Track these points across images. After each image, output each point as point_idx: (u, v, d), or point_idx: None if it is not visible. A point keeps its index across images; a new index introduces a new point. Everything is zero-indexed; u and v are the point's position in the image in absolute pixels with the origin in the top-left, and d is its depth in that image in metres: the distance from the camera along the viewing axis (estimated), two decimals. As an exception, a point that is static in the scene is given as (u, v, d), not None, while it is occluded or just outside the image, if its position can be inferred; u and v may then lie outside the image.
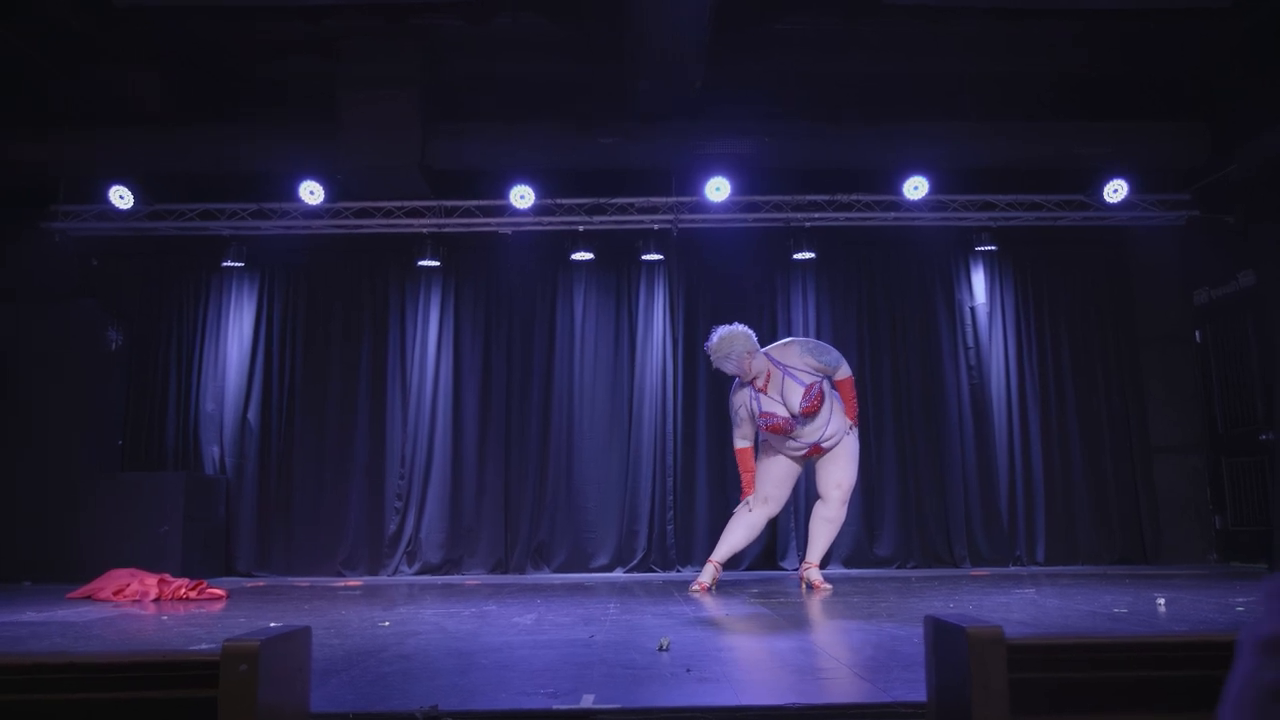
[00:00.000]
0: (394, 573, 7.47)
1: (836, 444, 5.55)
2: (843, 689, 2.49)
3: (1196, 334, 7.81)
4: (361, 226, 7.66)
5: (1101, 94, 7.26)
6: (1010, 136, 7.15)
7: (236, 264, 7.63)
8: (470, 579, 7.13)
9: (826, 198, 7.55)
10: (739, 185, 7.34)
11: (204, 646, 3.33)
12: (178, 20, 6.37)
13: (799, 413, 5.36)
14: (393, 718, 2.05)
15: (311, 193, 7.28)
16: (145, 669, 1.56)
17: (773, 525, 7.62)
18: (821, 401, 5.40)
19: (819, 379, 5.41)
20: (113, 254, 7.75)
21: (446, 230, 7.65)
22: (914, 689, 2.25)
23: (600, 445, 7.71)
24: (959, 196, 7.57)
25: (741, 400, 5.52)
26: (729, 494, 7.70)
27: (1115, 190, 7.30)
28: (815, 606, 4.64)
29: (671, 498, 7.60)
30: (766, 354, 5.50)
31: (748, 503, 5.69)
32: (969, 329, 7.88)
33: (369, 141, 6.84)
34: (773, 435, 5.50)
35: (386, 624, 4.01)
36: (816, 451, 5.56)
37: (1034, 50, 6.84)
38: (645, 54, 6.30)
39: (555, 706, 2.16)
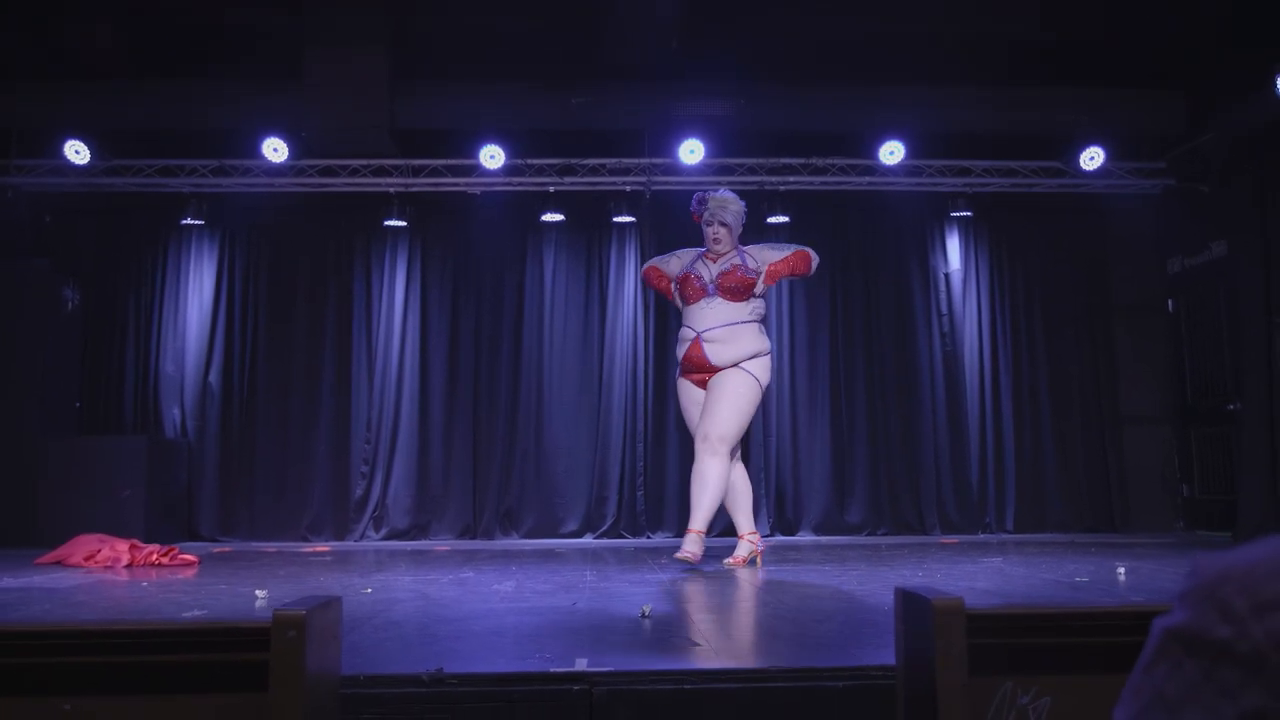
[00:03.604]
0: (360, 538, 7.40)
1: (725, 371, 4.89)
2: (818, 652, 2.61)
3: (1169, 303, 7.83)
4: (326, 185, 7.49)
5: (1079, 60, 7.19)
6: (987, 102, 7.09)
7: (197, 222, 7.43)
8: (439, 545, 7.08)
9: (802, 161, 7.47)
10: (713, 148, 7.23)
11: (197, 613, 3.41)
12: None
13: (714, 281, 4.94)
14: (402, 679, 2.20)
15: (275, 150, 7.09)
16: (202, 635, 1.71)
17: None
18: (741, 292, 4.91)
19: (757, 274, 4.96)
20: (68, 211, 7.55)
21: (414, 190, 7.50)
22: (883, 653, 2.34)
23: (570, 410, 7.65)
24: (935, 161, 7.51)
25: (690, 257, 5.15)
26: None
27: (1091, 158, 7.26)
28: (788, 574, 4.65)
29: (642, 464, 7.56)
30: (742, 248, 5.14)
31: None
32: (943, 295, 7.85)
33: (335, 98, 6.68)
34: (680, 297, 5.09)
35: (369, 591, 4.03)
36: (700, 367, 4.94)
37: (1013, 14, 6.75)
38: (621, 13, 6.17)
39: (553, 669, 2.26)
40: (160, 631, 1.70)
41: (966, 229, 7.90)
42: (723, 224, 5.01)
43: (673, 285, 5.14)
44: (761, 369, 4.94)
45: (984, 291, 7.89)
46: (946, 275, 7.88)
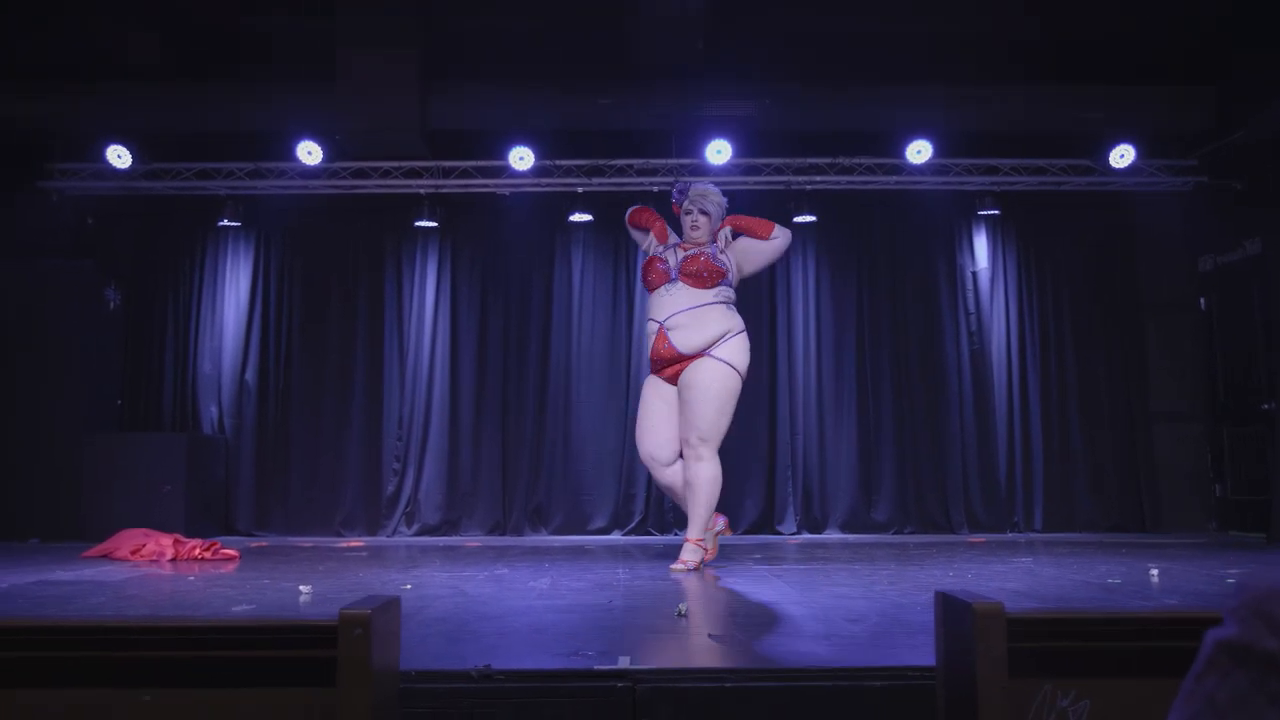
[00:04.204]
0: (392, 534, 7.51)
1: (699, 361, 4.63)
2: (855, 652, 2.64)
3: (1201, 301, 7.79)
4: (359, 187, 7.60)
5: (1108, 57, 7.18)
6: (1014, 99, 7.09)
7: (233, 224, 7.58)
8: (470, 541, 7.17)
9: (828, 160, 7.49)
10: (740, 148, 7.28)
11: (245, 607, 3.50)
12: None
13: (677, 266, 4.73)
14: (451, 675, 2.27)
15: (309, 153, 7.21)
16: (272, 632, 1.80)
17: (769, 487, 7.68)
18: (706, 278, 4.67)
19: (728, 267, 4.75)
20: (110, 213, 7.69)
21: (444, 191, 7.59)
22: (920, 654, 2.38)
23: (597, 408, 7.72)
24: (962, 160, 7.52)
25: (665, 244, 4.91)
26: (726, 456, 7.68)
27: (1121, 155, 7.24)
28: (819, 574, 4.69)
29: (670, 461, 7.60)
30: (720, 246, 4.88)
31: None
32: (970, 294, 7.86)
33: (368, 101, 6.77)
34: (643, 283, 4.95)
35: (408, 587, 4.10)
36: (669, 360, 4.68)
37: (1041, 11, 6.76)
38: (647, 14, 6.22)
39: (596, 667, 2.33)
40: (233, 628, 1.79)
41: (994, 227, 7.89)
42: (703, 212, 4.83)
43: (642, 261, 4.91)
44: (736, 353, 4.67)
45: (1012, 290, 7.89)
46: (974, 274, 7.89)
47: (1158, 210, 7.77)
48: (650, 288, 4.81)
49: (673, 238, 4.98)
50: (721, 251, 4.80)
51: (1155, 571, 4.48)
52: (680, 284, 4.68)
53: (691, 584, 4.28)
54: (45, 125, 7.19)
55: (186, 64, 7.05)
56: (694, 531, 4.71)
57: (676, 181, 5.04)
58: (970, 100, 7.07)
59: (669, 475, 4.83)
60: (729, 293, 4.76)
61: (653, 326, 4.73)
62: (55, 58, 6.90)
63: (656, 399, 4.78)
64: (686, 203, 4.89)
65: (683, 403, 4.65)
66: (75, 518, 6.71)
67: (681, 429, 4.66)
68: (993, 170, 7.55)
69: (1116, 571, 4.61)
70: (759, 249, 4.90)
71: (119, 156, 7.16)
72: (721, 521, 4.99)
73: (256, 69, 7.07)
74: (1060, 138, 7.44)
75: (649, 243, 4.97)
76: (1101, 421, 7.76)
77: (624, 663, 2.37)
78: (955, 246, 7.93)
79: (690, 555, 4.69)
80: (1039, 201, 7.80)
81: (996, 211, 7.57)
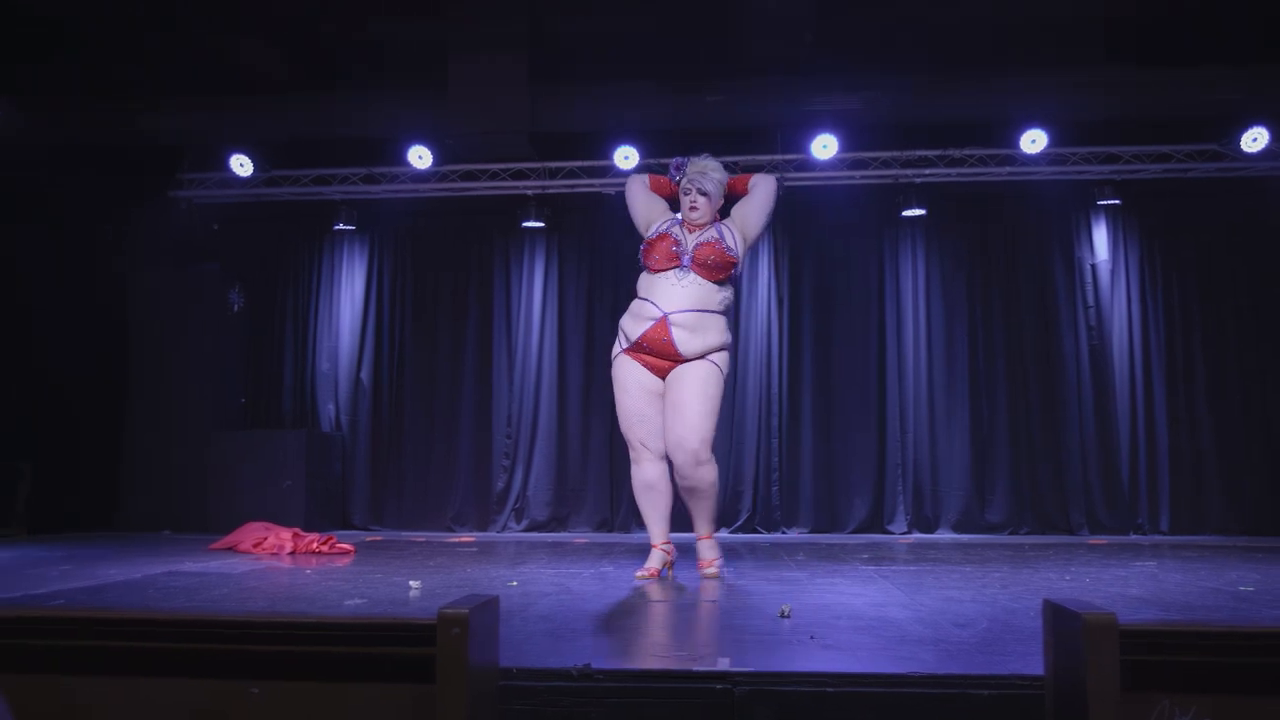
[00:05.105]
0: (502, 529, 7.65)
1: (692, 362, 4.29)
2: (961, 659, 2.54)
3: (1340, 293, 7.33)
4: (468, 189, 7.77)
5: (1235, 35, 6.80)
6: (1134, 83, 6.76)
7: (348, 227, 7.84)
8: (578, 537, 7.25)
9: (937, 153, 7.32)
10: (846, 142, 7.17)
11: (356, 601, 3.58)
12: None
13: (690, 252, 4.29)
14: (552, 673, 2.26)
15: (420, 157, 7.40)
16: (373, 629, 1.86)
17: (878, 486, 7.55)
18: (718, 270, 4.29)
19: (737, 256, 4.35)
20: (233, 219, 8.05)
21: (550, 191, 7.70)
22: (1029, 662, 2.28)
23: (704, 405, 7.68)
24: (1079, 149, 7.25)
25: (669, 217, 4.49)
26: (835, 454, 7.65)
27: (1254, 139, 6.87)
28: (928, 575, 4.58)
29: (776, 459, 7.57)
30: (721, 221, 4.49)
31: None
32: (1089, 287, 7.58)
33: (478, 105, 6.89)
34: (645, 259, 4.37)
35: (514, 584, 4.15)
36: (662, 354, 4.30)
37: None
38: (756, 10, 6.17)
39: (696, 668, 2.30)
40: (337, 625, 1.86)
41: (1115, 217, 7.59)
42: (702, 192, 4.36)
43: (646, 241, 4.42)
44: (726, 361, 4.38)
45: (1134, 282, 7.57)
46: (1093, 266, 7.59)
47: (1294, 197, 7.34)
48: (654, 267, 4.30)
49: (673, 215, 4.50)
50: (730, 233, 4.37)
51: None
52: (691, 274, 4.26)
53: (794, 584, 4.23)
54: (176, 137, 7.56)
55: (304, 75, 7.31)
56: (709, 528, 4.40)
57: (674, 159, 4.53)
58: (1087, 85, 6.78)
59: (656, 471, 4.37)
60: (730, 298, 4.41)
61: (652, 311, 4.25)
62: (184, 73, 7.23)
63: (640, 391, 4.34)
64: (685, 181, 4.43)
65: (678, 404, 4.25)
66: (203, 511, 7.06)
67: (678, 432, 4.23)
68: (1113, 158, 7.26)
69: (1249, 579, 4.37)
70: (751, 207, 4.47)
71: (241, 165, 7.50)
72: (675, 553, 4.55)
73: (369, 77, 7.29)
74: (1185, 122, 7.10)
75: (656, 213, 4.51)
76: (1234, 419, 7.38)
77: (723, 664, 2.35)
78: (1073, 238, 7.65)
79: (714, 552, 4.39)
80: (1163, 189, 7.47)
81: (1117, 201, 7.29)
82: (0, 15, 6.24)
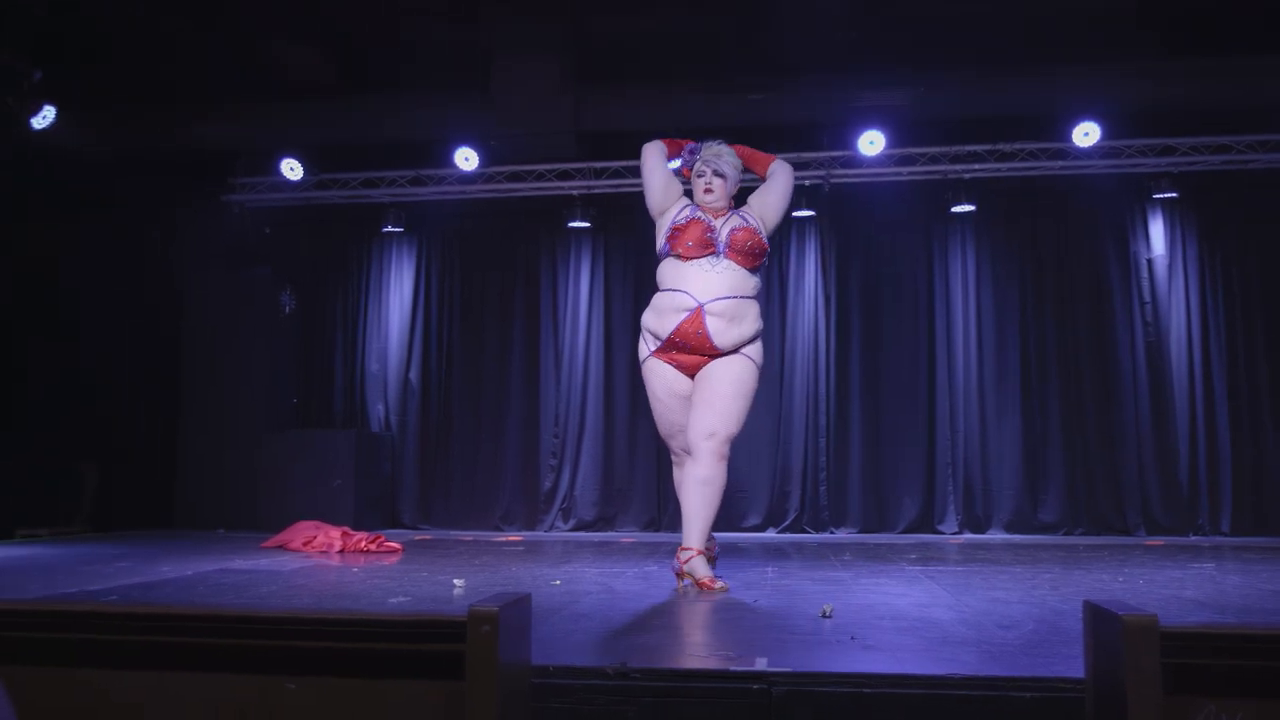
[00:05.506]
0: (550, 528, 7.69)
1: (729, 354, 4.07)
2: (1004, 661, 2.50)
3: None
4: (514, 190, 7.81)
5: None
6: (1190, 73, 6.60)
7: (396, 229, 7.93)
8: (624, 537, 7.26)
9: (987, 147, 7.21)
10: (893, 138, 7.09)
11: (401, 599, 3.61)
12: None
13: (725, 238, 4.07)
14: (589, 672, 2.27)
15: (466, 159, 7.47)
16: (405, 626, 1.87)
17: (928, 486, 7.46)
18: (753, 257, 4.09)
19: (766, 239, 4.18)
20: (284, 223, 8.18)
21: (595, 191, 7.72)
22: (1073, 665, 2.24)
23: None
24: (1134, 141, 7.09)
25: (683, 203, 4.25)
26: (884, 453, 7.57)
27: (1318, 128, 6.68)
28: (975, 576, 4.51)
29: (824, 458, 7.51)
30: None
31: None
32: (1145, 283, 7.41)
33: (523, 106, 6.94)
34: (674, 246, 4.10)
35: (558, 583, 4.16)
36: (696, 348, 4.06)
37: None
38: (799, 6, 6.14)
39: (733, 668, 2.29)
40: (369, 621, 1.87)
41: (1171, 211, 7.41)
42: (717, 174, 4.15)
43: (665, 225, 4.19)
44: (760, 353, 4.16)
45: (1193, 277, 7.38)
46: (1149, 261, 7.42)
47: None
48: (686, 255, 4.04)
49: (692, 204, 4.26)
50: (752, 219, 4.19)
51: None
52: (725, 261, 4.02)
53: (838, 584, 4.19)
54: (227, 143, 7.71)
55: (349, 79, 7.41)
56: (700, 540, 3.96)
57: (687, 144, 4.35)
58: (1142, 76, 6.64)
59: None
60: (761, 285, 4.20)
61: (686, 301, 3.99)
62: (233, 80, 7.37)
63: (670, 397, 4.16)
64: (699, 164, 4.22)
65: (709, 393, 4.02)
66: (255, 510, 7.20)
67: (706, 420, 3.98)
68: (1169, 150, 7.10)
69: (1312, 581, 4.25)
70: (773, 196, 4.28)
71: (291, 169, 7.63)
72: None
73: (415, 81, 7.36)
74: (1246, 112, 6.89)
75: (674, 194, 4.28)
76: (1301, 418, 7.17)
77: (761, 664, 2.34)
78: (1127, 233, 7.49)
79: (704, 569, 3.92)
80: (1223, 182, 7.27)
81: (1174, 194, 7.11)
82: (56, 27, 6.41)
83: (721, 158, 4.20)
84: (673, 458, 4.39)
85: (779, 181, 4.32)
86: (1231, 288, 7.38)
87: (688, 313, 3.98)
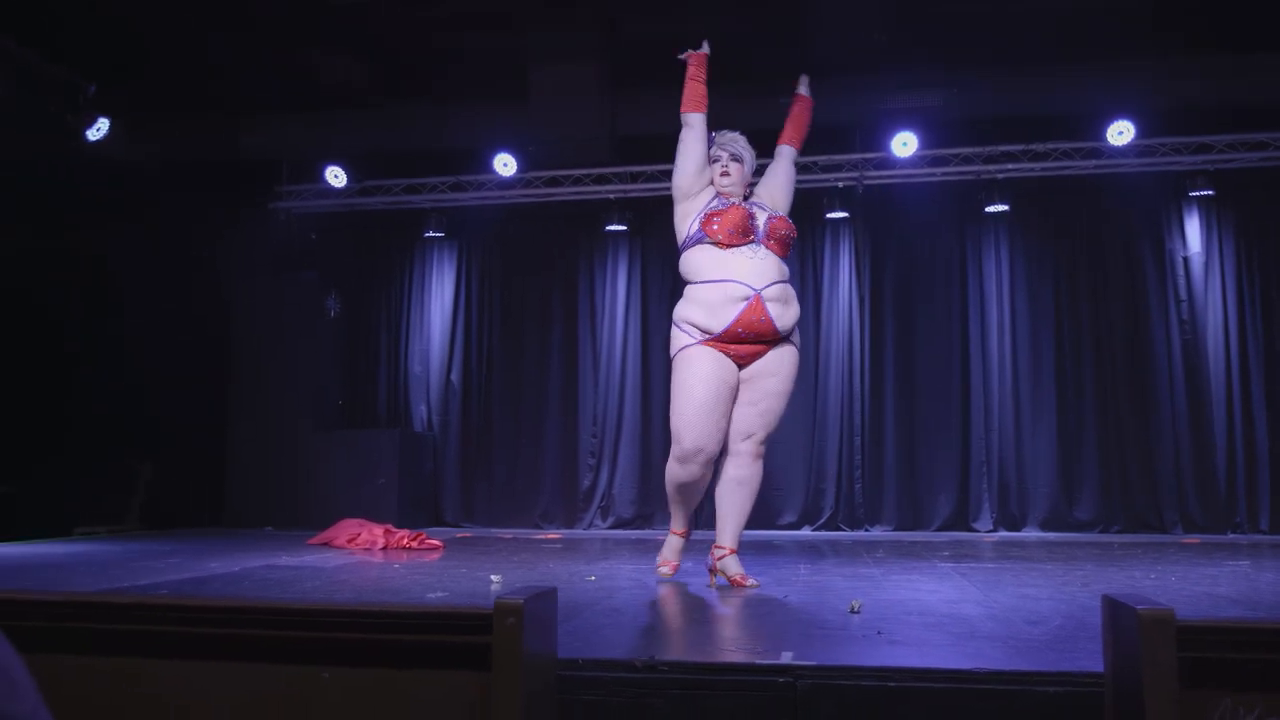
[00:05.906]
0: (588, 526, 7.80)
1: (782, 348, 3.98)
2: (1029, 655, 2.53)
3: None
4: (552, 195, 7.93)
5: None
6: (1225, 70, 6.56)
7: (437, 234, 8.10)
8: (662, 534, 7.29)
9: (1020, 147, 7.21)
10: (926, 138, 7.12)
11: (439, 594, 3.69)
12: (381, 6, 6.73)
13: (764, 226, 4.00)
14: (616, 664, 2.30)
15: (505, 164, 7.60)
16: (433, 618, 1.93)
17: (963, 483, 7.46)
18: (788, 247, 4.05)
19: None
20: (329, 229, 8.38)
21: (632, 195, 7.82)
22: (1097, 660, 2.26)
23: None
24: (1169, 139, 7.05)
25: (709, 191, 4.19)
26: (918, 451, 7.58)
27: (1358, 124, 6.59)
28: (1007, 573, 4.53)
29: (859, 456, 7.55)
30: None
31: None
32: (1181, 281, 7.37)
33: (560, 112, 7.02)
34: (710, 233, 4.00)
35: (592, 579, 4.24)
36: (760, 335, 3.91)
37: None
38: (828, 8, 6.17)
39: (758, 661, 2.33)
40: (400, 614, 1.95)
41: (1208, 209, 7.36)
42: (734, 158, 4.10)
43: (695, 210, 4.15)
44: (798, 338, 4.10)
45: (1229, 275, 7.33)
46: (1185, 259, 7.38)
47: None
48: (727, 242, 3.93)
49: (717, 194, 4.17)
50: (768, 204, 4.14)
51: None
52: (764, 249, 3.94)
53: (869, 581, 4.24)
54: (272, 152, 7.90)
55: (391, 88, 7.56)
56: (734, 540, 3.96)
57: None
58: (1176, 74, 6.60)
59: (701, 470, 3.97)
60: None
61: (742, 291, 3.85)
62: (277, 91, 7.55)
63: (720, 381, 3.90)
64: (714, 148, 4.18)
65: (759, 393, 3.94)
66: (302, 508, 7.37)
67: (749, 423, 3.94)
68: (1205, 148, 7.05)
69: (1350, 579, 4.22)
70: (782, 186, 4.26)
71: (336, 176, 7.81)
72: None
73: (453, 89, 7.50)
74: (1282, 108, 6.83)
75: (703, 182, 4.19)
76: (1341, 416, 7.09)
77: (787, 658, 2.37)
78: (1163, 231, 7.45)
79: (738, 567, 3.92)
80: (1261, 179, 7.21)
81: (1210, 192, 7.06)
82: (105, 40, 6.61)
83: (738, 141, 4.16)
84: (675, 450, 4.01)
85: (784, 169, 4.34)
86: (1269, 284, 7.32)
87: (746, 301, 3.85)
